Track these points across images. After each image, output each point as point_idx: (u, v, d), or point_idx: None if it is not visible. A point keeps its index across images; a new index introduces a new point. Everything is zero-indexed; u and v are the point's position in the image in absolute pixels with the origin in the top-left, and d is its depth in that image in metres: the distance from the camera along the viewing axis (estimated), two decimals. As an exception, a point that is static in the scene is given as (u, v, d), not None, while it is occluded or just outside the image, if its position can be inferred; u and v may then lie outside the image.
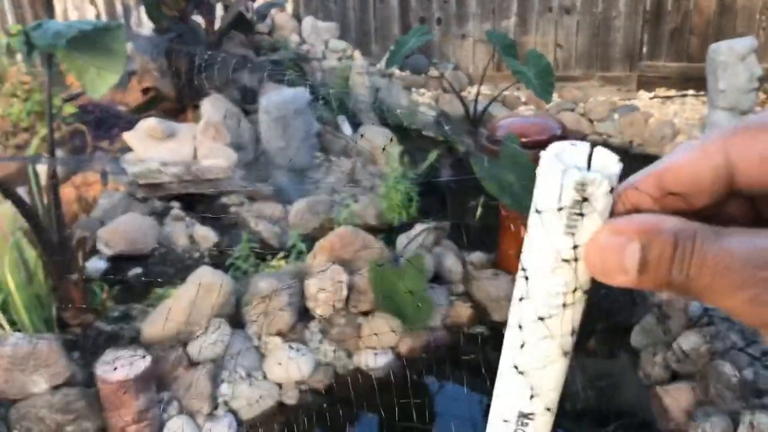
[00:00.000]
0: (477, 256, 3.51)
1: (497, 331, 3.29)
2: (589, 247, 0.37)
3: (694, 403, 2.59)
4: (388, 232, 3.80)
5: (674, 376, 2.79)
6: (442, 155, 4.63)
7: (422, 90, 6.16)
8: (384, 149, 4.82)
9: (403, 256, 3.35)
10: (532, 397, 0.42)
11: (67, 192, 3.73)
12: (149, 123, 3.86)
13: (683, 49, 5.95)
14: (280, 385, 2.87)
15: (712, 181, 0.37)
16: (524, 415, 0.43)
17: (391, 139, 5.01)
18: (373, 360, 3.04)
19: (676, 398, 2.62)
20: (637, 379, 2.88)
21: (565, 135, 3.28)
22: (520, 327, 0.40)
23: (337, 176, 4.60)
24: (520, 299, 0.40)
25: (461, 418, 2.84)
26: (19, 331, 2.59)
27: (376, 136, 5.04)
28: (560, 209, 0.37)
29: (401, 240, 3.56)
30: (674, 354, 2.77)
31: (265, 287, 2.93)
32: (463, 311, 3.31)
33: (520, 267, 0.39)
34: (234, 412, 2.73)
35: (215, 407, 2.71)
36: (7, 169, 3.81)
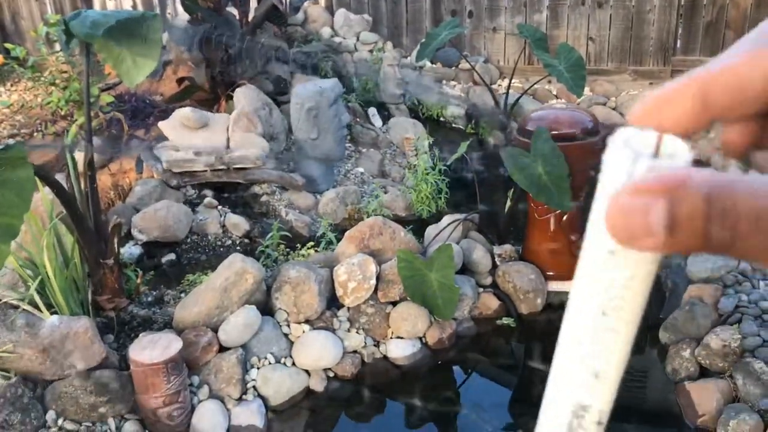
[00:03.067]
0: (505, 248, 3.51)
1: (524, 323, 3.30)
2: (611, 210, 0.33)
3: (722, 400, 2.57)
4: (417, 224, 3.82)
5: (703, 373, 2.77)
6: (472, 147, 4.63)
7: (453, 82, 6.15)
8: (414, 141, 4.83)
9: (432, 247, 3.36)
10: (590, 392, 0.39)
11: (103, 179, 3.80)
12: (183, 112, 3.92)
13: (718, 43, 5.86)
14: (308, 372, 2.91)
15: (763, 88, 0.32)
16: (582, 407, 0.40)
17: (422, 132, 5.02)
18: (401, 349, 3.06)
19: (704, 395, 2.61)
20: (664, 374, 2.87)
21: (597, 128, 3.26)
22: (580, 319, 0.37)
23: (366, 167, 4.63)
24: (582, 290, 0.37)
25: (487, 409, 2.86)
26: (55, 313, 2.66)
27: (406, 128, 5.05)
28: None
29: (430, 231, 3.58)
30: (703, 350, 2.75)
31: (295, 275, 2.97)
32: (491, 302, 3.32)
33: (581, 259, 0.37)
34: (263, 398, 2.77)
35: (244, 392, 2.75)
36: (46, 156, 3.89)
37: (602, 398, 0.39)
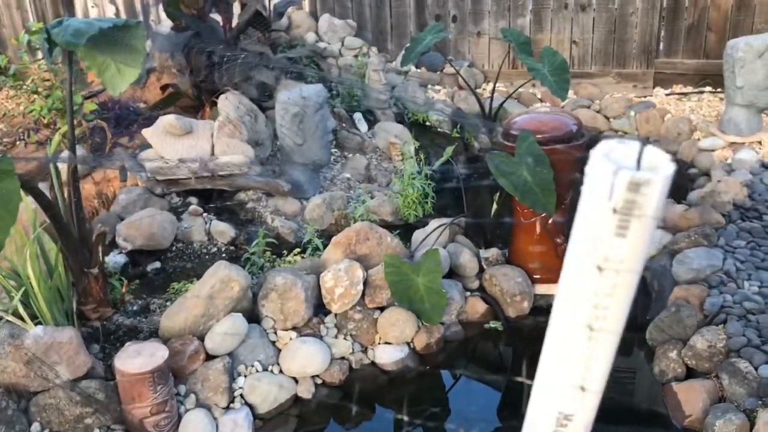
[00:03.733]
0: (492, 252, 3.52)
1: (512, 326, 3.30)
2: None
3: (709, 400, 2.58)
4: (404, 228, 3.82)
5: (689, 373, 2.79)
6: (457, 151, 4.63)
7: (438, 87, 6.16)
8: (399, 146, 4.83)
9: (419, 251, 3.36)
10: (575, 403, 0.39)
11: (87, 188, 3.78)
12: (167, 119, 3.90)
13: (700, 46, 5.91)
14: (295, 379, 2.89)
15: None
16: (566, 417, 0.40)
17: (407, 137, 5.02)
18: (389, 355, 3.06)
19: (691, 395, 2.62)
20: (651, 375, 2.88)
21: (581, 131, 3.27)
22: (565, 334, 0.37)
23: (352, 172, 4.62)
24: (566, 304, 0.37)
25: (475, 413, 2.86)
26: (40, 324, 2.63)
27: (391, 133, 5.05)
28: (612, 211, 0.34)
29: (417, 236, 3.58)
30: (689, 351, 2.76)
31: (281, 282, 2.96)
32: (478, 306, 3.32)
33: (564, 268, 0.37)
34: (250, 406, 2.75)
35: (232, 400, 2.74)
36: (29, 164, 3.86)
37: (586, 409, 0.39)
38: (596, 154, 0.35)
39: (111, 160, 3.84)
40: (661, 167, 0.34)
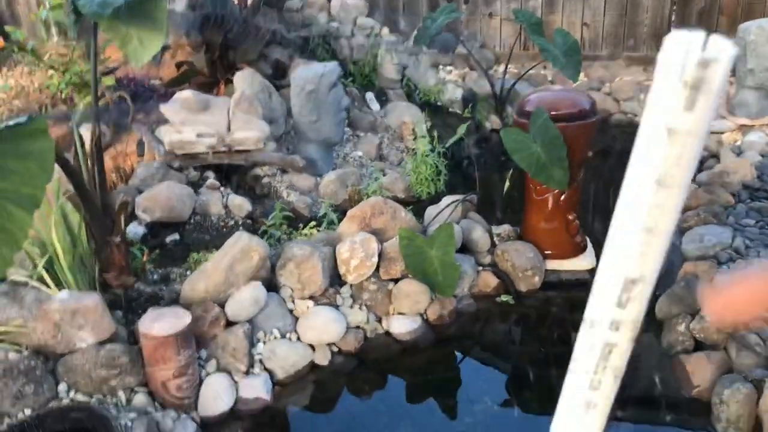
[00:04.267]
0: (504, 228, 3.57)
1: (523, 300, 3.36)
2: None
3: (717, 371, 2.64)
4: (416, 205, 3.87)
5: (698, 346, 2.84)
6: (469, 131, 4.68)
7: (449, 68, 6.19)
8: (412, 125, 4.88)
9: (432, 226, 3.42)
10: (641, 256, 0.44)
11: (105, 162, 3.83)
12: (185, 95, 3.95)
13: (712, 29, 5.90)
14: (312, 347, 2.96)
15: None
16: (631, 281, 0.45)
17: (419, 116, 5.06)
18: (403, 325, 3.12)
19: (700, 366, 2.68)
20: (660, 348, 2.93)
21: (595, 109, 3.31)
22: (638, 190, 0.42)
23: (365, 151, 4.67)
24: (638, 165, 0.42)
25: (485, 383, 2.93)
26: (63, 290, 2.69)
27: (403, 113, 5.09)
28: (682, 86, 0.40)
29: (430, 211, 3.63)
30: (698, 324, 2.82)
31: (299, 253, 3.02)
32: (490, 280, 3.38)
33: (639, 134, 0.43)
34: (269, 371, 2.82)
35: (251, 366, 2.81)
36: (54, 134, 3.91)
37: (651, 264, 0.45)
38: (669, 38, 0.41)
39: (130, 132, 3.89)
40: (725, 50, 0.40)
